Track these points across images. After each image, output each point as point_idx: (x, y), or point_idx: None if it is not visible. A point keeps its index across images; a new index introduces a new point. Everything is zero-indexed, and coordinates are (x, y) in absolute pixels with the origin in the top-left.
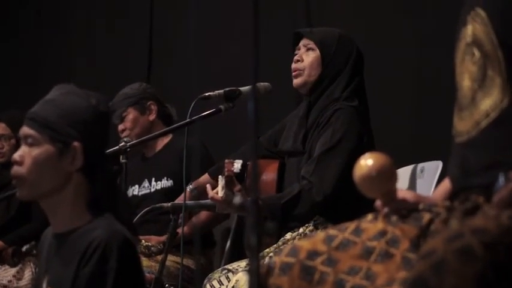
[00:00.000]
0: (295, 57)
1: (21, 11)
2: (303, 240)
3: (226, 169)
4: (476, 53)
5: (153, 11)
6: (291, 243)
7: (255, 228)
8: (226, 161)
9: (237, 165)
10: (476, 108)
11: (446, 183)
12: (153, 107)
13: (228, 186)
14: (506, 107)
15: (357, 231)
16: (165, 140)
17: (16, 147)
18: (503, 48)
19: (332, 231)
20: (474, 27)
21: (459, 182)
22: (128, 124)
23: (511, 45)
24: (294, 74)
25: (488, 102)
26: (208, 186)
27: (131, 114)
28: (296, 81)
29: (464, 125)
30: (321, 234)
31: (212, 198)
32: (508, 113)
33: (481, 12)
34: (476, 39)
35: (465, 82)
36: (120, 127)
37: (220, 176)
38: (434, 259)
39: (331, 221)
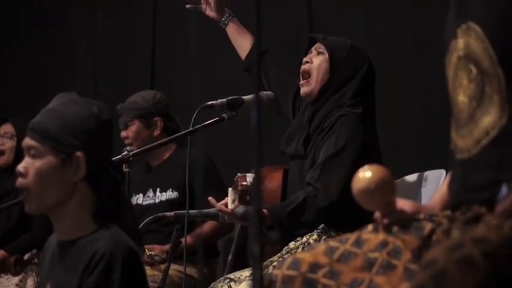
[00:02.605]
0: (305, 59)
1: (22, 26)
2: (304, 253)
3: (239, 183)
4: (473, 69)
5: (156, 20)
6: (292, 256)
7: (258, 238)
8: (239, 174)
9: (250, 178)
10: (475, 126)
11: (443, 190)
12: (159, 124)
13: (242, 200)
14: (505, 124)
15: (358, 243)
16: (171, 151)
17: (16, 150)
18: (503, 66)
19: (333, 243)
20: (467, 42)
21: (460, 196)
22: (131, 134)
23: (511, 63)
24: (301, 82)
25: (488, 120)
26: (211, 198)
27: (135, 126)
28: (303, 90)
29: (464, 143)
30: (322, 246)
31: (221, 211)
32: (507, 131)
33: (476, 27)
34: (471, 54)
35: (460, 97)
36: (123, 134)
37: (230, 189)
38: (435, 269)
39: (336, 228)
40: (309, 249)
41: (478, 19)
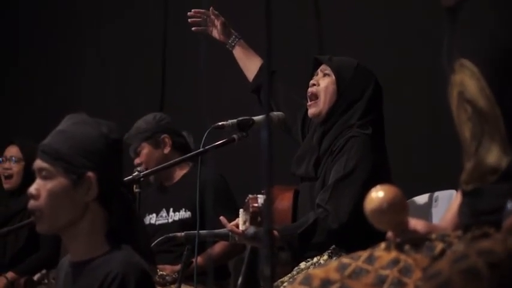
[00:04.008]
0: (311, 82)
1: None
2: (316, 269)
3: (250, 204)
4: (469, 109)
5: (166, 40)
6: (304, 272)
7: (269, 258)
8: (250, 196)
9: (261, 200)
10: (481, 164)
11: (454, 209)
12: (167, 140)
13: (253, 221)
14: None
15: (370, 260)
16: (184, 171)
17: (24, 173)
18: (501, 105)
19: (345, 259)
20: (462, 79)
21: (470, 219)
22: (143, 158)
23: (509, 102)
24: (309, 103)
25: (493, 159)
26: (222, 218)
27: (146, 149)
28: (311, 111)
29: (470, 177)
30: (334, 263)
31: (232, 231)
32: None
33: (470, 65)
34: (466, 93)
35: (466, 133)
36: (136, 161)
37: (241, 210)
38: (440, 280)
39: (347, 249)
40: (321, 265)
41: (471, 57)
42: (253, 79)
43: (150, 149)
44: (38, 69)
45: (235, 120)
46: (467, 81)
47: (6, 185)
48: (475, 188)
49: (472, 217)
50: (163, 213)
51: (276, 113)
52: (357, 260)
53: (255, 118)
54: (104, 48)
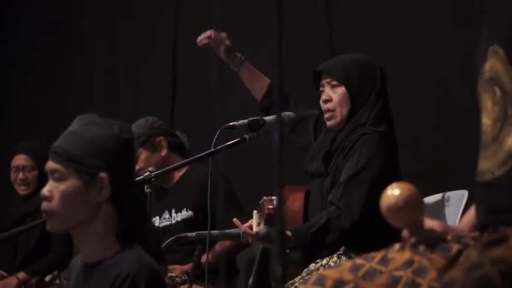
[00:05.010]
0: (323, 97)
1: (49, 48)
2: (330, 269)
3: (265, 207)
4: (498, 91)
5: (176, 41)
6: (317, 273)
7: (280, 259)
8: (265, 198)
9: (276, 202)
10: (500, 148)
11: (472, 212)
12: (164, 143)
13: (269, 223)
14: None
15: (384, 261)
16: (182, 171)
17: (39, 178)
18: None
19: (359, 260)
20: (493, 64)
21: (486, 218)
22: (142, 164)
23: None
24: (326, 116)
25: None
26: (236, 220)
27: (143, 155)
28: (330, 123)
29: (488, 165)
30: (347, 263)
31: (246, 233)
32: None
33: (499, 49)
34: (495, 76)
35: (484, 120)
36: (136, 168)
37: (254, 211)
38: None
39: (356, 249)
40: (335, 266)
41: (499, 41)
42: (262, 99)
43: (147, 154)
44: (47, 70)
45: (246, 121)
46: (497, 64)
47: (23, 192)
48: (491, 178)
49: (487, 215)
50: (166, 215)
51: (287, 113)
52: (370, 261)
53: (266, 118)
54: (114, 48)
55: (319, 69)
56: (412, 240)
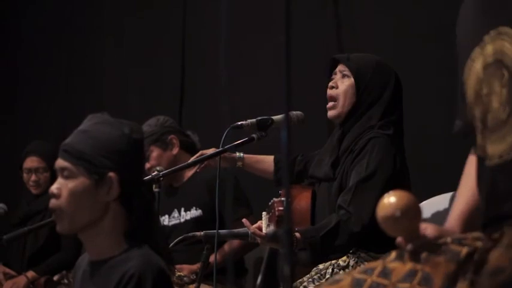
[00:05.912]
0: (330, 83)
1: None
2: (329, 286)
3: (276, 208)
4: (506, 74)
5: (185, 38)
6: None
7: (288, 258)
8: (275, 199)
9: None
10: (509, 132)
11: (458, 207)
12: (175, 141)
13: (279, 225)
14: None
15: (385, 273)
16: (192, 169)
17: (51, 179)
18: None
19: (358, 274)
20: (500, 46)
21: (489, 211)
22: (153, 162)
23: None
24: (328, 105)
25: None
26: (245, 220)
27: (154, 152)
28: (330, 113)
29: (496, 148)
30: (347, 279)
31: (255, 234)
32: None
33: (509, 30)
34: (503, 59)
35: (495, 104)
36: (146, 166)
37: (264, 213)
38: (503, 277)
39: (366, 248)
40: (332, 282)
41: (509, 22)
42: (274, 175)
43: (159, 152)
44: (58, 69)
45: (254, 120)
46: (507, 47)
47: (35, 191)
48: (499, 163)
49: (490, 205)
50: (175, 213)
51: (295, 112)
52: (371, 275)
53: (274, 118)
54: (123, 47)
55: (337, 57)
56: (409, 247)
